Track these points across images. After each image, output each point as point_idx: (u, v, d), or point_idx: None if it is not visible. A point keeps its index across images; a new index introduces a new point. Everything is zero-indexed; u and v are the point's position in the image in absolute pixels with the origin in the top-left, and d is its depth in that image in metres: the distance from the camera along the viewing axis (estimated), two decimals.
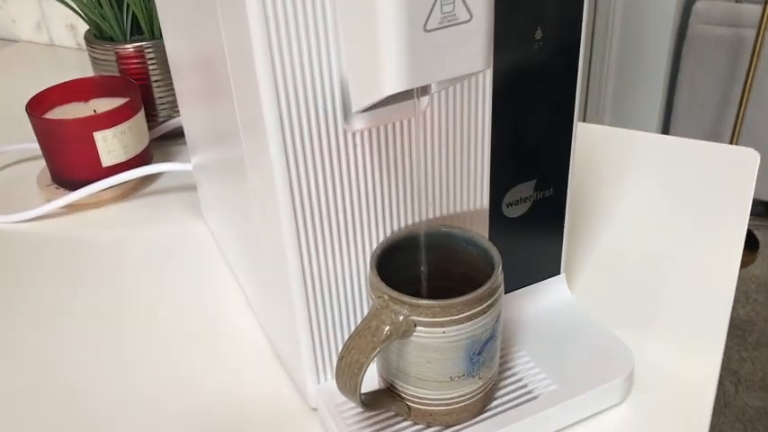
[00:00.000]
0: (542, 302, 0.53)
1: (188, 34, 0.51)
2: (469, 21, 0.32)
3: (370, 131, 0.40)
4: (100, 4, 0.78)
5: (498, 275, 0.41)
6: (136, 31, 0.81)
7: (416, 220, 0.45)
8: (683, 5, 1.90)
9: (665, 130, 2.04)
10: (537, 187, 0.48)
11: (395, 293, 0.40)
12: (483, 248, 0.43)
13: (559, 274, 0.53)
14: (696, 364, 0.51)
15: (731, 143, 1.82)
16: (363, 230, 0.43)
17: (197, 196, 0.72)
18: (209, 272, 0.64)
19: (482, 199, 0.47)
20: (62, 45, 1.15)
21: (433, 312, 0.39)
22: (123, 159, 0.72)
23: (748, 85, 1.82)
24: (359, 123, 0.40)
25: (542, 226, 0.51)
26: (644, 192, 0.71)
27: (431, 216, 0.45)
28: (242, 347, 0.55)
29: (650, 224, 0.66)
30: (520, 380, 0.47)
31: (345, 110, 0.39)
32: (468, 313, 0.40)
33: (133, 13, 0.78)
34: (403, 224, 0.45)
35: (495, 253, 0.42)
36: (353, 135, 0.40)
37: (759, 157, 0.75)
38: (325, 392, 0.47)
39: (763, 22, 1.76)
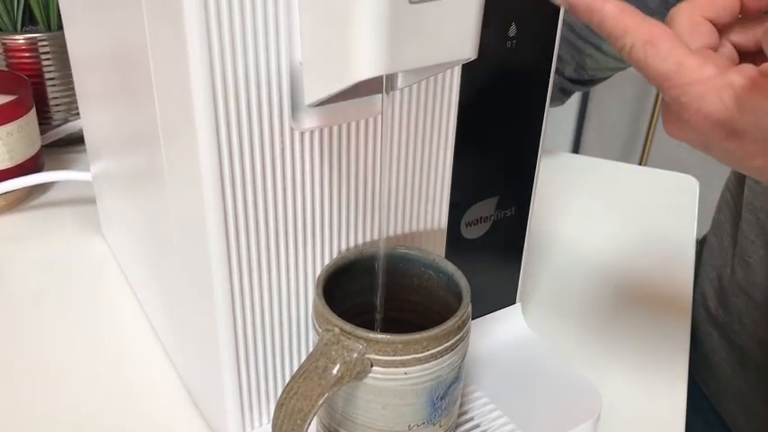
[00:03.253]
0: (497, 335, 0.47)
1: (97, 20, 0.43)
2: None
3: (321, 131, 0.34)
4: None
5: (468, 306, 0.35)
6: (29, 22, 0.71)
7: (369, 237, 0.38)
8: None
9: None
10: (498, 205, 0.43)
11: (348, 326, 0.33)
12: (447, 274, 0.37)
13: (515, 303, 0.48)
14: (660, 395, 0.47)
15: None
16: (307, 248, 0.37)
17: (95, 210, 0.63)
18: (109, 297, 0.55)
19: (440, 216, 0.41)
20: None
21: (395, 349, 0.33)
22: (9, 165, 0.63)
23: (654, 117, 1.86)
24: (309, 121, 0.33)
25: (501, 250, 0.45)
26: (587, 216, 0.67)
27: (384, 235, 0.39)
28: (148, 387, 0.47)
29: (595, 249, 0.62)
30: (478, 425, 0.41)
31: (294, 103, 0.32)
32: (435, 350, 0.33)
33: (26, 0, 0.69)
34: (353, 243, 0.38)
35: (462, 279, 0.36)
36: (302, 135, 0.33)
37: (698, 184, 0.73)
38: None
39: None
